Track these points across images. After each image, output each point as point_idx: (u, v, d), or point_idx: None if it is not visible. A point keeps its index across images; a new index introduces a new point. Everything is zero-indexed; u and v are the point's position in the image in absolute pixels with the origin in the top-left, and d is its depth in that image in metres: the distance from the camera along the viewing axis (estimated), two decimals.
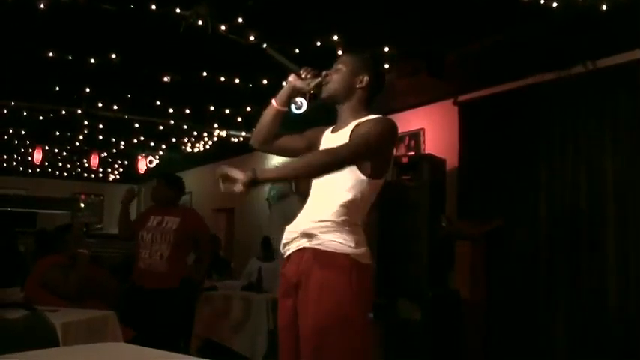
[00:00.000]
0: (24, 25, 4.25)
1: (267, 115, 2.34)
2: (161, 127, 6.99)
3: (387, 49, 4.31)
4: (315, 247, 2.09)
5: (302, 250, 2.12)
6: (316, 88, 2.25)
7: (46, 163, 9.70)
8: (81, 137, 7.77)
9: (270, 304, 4.86)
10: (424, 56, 4.56)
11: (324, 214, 2.12)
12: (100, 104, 6.17)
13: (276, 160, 8.07)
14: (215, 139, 7.64)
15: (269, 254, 6.18)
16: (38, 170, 10.34)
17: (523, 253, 4.67)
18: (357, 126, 2.17)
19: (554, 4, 3.56)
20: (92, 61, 4.71)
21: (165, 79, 5.08)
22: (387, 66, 4.39)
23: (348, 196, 2.11)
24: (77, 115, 6.37)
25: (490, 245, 4.84)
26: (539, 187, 4.63)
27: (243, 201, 8.67)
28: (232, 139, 7.46)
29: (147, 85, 5.34)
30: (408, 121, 5.82)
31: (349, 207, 2.11)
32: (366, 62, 2.27)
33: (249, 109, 5.85)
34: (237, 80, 4.99)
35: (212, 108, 6.09)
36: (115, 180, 11.71)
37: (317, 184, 2.22)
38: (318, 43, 4.14)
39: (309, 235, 2.11)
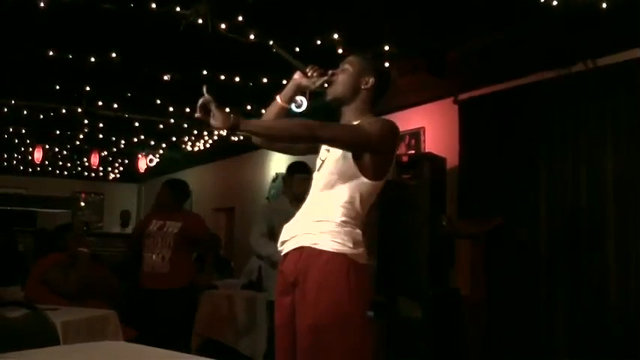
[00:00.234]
0: (24, 24, 4.25)
1: (271, 112, 2.35)
2: (161, 126, 7.00)
3: (387, 48, 4.30)
4: (313, 246, 2.09)
5: (300, 249, 2.13)
6: (321, 87, 2.25)
7: (47, 162, 9.70)
8: (81, 136, 7.78)
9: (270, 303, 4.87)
10: (424, 54, 4.56)
11: (323, 213, 2.12)
12: (100, 103, 6.18)
13: (277, 157, 8.08)
14: (215, 137, 7.65)
15: None
16: (38, 169, 10.34)
17: (523, 252, 4.67)
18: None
19: (555, 3, 3.55)
20: (92, 59, 4.71)
21: (166, 77, 5.08)
22: (387, 64, 4.38)
23: (347, 196, 2.12)
24: (77, 114, 6.38)
25: (490, 244, 4.83)
26: (540, 185, 4.63)
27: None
28: (232, 138, 7.46)
29: (147, 83, 5.34)
30: (408, 120, 5.81)
31: (348, 207, 2.11)
32: (372, 64, 2.28)
33: (249, 107, 5.85)
34: (237, 79, 4.99)
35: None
36: (115, 179, 11.73)
37: (317, 183, 2.22)
38: (319, 42, 4.14)
39: (307, 234, 2.12)
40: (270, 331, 4.89)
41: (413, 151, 5.76)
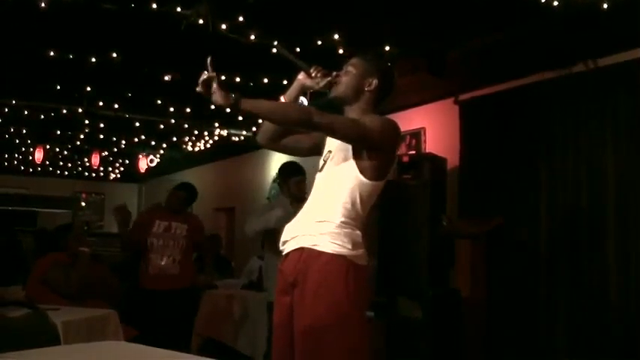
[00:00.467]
0: (25, 24, 4.25)
1: None
2: (162, 126, 7.00)
3: (387, 48, 4.30)
4: (313, 247, 2.10)
5: (300, 250, 2.13)
6: (325, 88, 2.26)
7: (47, 162, 9.71)
8: (82, 136, 7.78)
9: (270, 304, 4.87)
10: (425, 55, 4.56)
11: (323, 214, 2.12)
12: (100, 103, 6.18)
13: (277, 157, 8.08)
14: (216, 137, 7.65)
15: None
16: (39, 169, 10.35)
17: (523, 252, 4.67)
18: None
19: (555, 3, 3.55)
20: (93, 60, 4.72)
21: (166, 77, 5.08)
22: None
23: (347, 197, 2.12)
24: (78, 114, 6.37)
25: (490, 244, 4.83)
26: (540, 186, 4.63)
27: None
28: (233, 138, 7.46)
29: (148, 83, 5.34)
30: (408, 120, 5.81)
31: (349, 208, 2.12)
32: (376, 66, 2.29)
33: None
34: (237, 79, 4.99)
35: (213, 107, 6.06)
36: (115, 179, 11.74)
37: (318, 184, 2.22)
38: (319, 42, 4.14)
39: (307, 235, 2.12)
40: (270, 331, 4.91)
41: (413, 152, 5.76)
